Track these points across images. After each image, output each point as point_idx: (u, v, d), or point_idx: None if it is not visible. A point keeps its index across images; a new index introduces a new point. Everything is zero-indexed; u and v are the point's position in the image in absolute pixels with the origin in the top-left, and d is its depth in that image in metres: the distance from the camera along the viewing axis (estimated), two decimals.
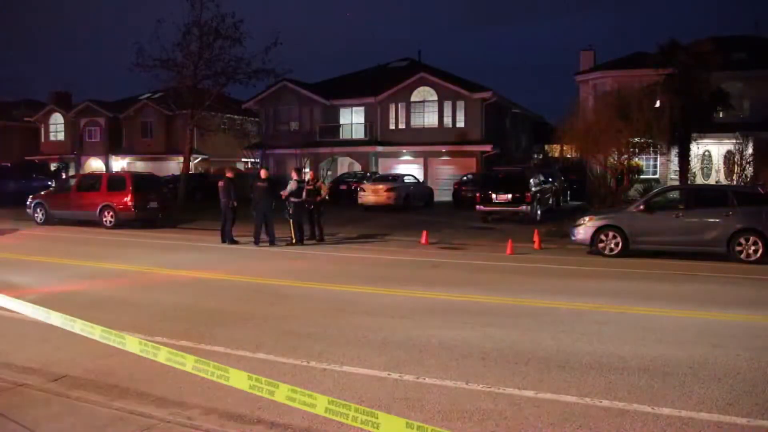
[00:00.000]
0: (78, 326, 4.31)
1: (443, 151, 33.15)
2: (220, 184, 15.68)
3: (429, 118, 33.77)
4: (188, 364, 3.66)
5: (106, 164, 44.75)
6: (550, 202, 23.80)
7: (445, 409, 4.63)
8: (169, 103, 32.13)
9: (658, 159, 28.32)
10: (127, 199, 19.09)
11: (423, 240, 15.83)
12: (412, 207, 25.67)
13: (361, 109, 35.74)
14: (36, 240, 16.67)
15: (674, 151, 24.79)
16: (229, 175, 15.83)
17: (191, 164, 34.45)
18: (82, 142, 45.24)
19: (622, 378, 5.31)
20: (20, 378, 5.21)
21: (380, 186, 25.49)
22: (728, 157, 25.07)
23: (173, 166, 40.16)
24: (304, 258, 13.33)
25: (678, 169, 24.55)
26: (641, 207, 13.43)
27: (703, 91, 22.75)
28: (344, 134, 36.27)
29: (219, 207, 15.91)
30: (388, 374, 5.40)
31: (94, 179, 21.55)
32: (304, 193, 15.45)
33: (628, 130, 21.09)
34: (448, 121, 33.33)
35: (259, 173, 16.21)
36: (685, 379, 5.28)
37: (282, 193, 15.32)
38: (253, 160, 39.12)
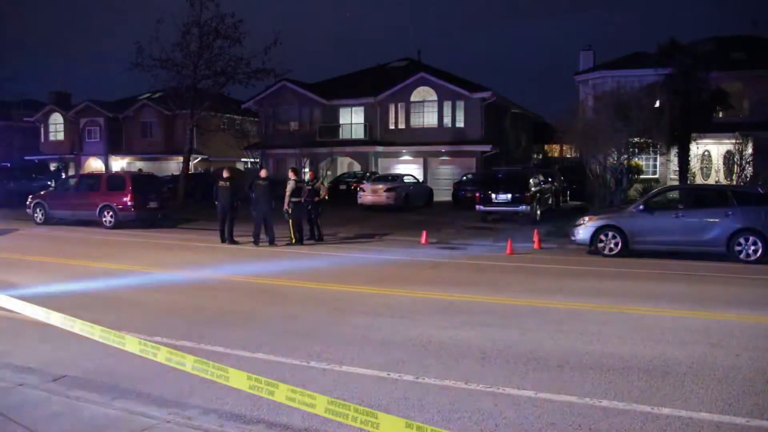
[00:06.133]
0: (78, 326, 4.31)
1: (443, 151, 33.15)
2: (221, 184, 15.64)
3: (429, 118, 33.76)
4: (188, 364, 3.66)
5: (106, 164, 44.75)
6: (550, 202, 23.80)
7: (444, 409, 4.63)
8: (168, 103, 32.12)
9: (658, 159, 28.34)
10: (127, 199, 19.09)
11: (423, 240, 15.84)
12: (411, 207, 25.67)
13: (361, 109, 35.73)
14: (36, 240, 16.67)
15: (674, 151, 24.83)
16: (227, 175, 15.86)
17: (191, 164, 34.45)
18: (81, 142, 45.25)
19: (622, 378, 5.32)
20: (20, 378, 5.21)
21: (380, 186, 25.49)
22: (728, 157, 25.10)
23: (173, 166, 40.17)
24: (304, 258, 13.33)
25: (678, 169, 24.59)
26: (641, 207, 13.43)
27: (702, 91, 22.79)
28: (344, 134, 36.26)
29: (215, 207, 15.83)
30: (388, 374, 5.40)
31: (93, 179, 21.55)
32: (303, 193, 15.44)
33: (627, 129, 21.11)
34: (447, 121, 33.32)
35: (258, 173, 16.20)
36: (684, 379, 5.28)
37: (286, 196, 15.19)
38: (252, 160, 39.11)
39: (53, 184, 28.77)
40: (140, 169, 30.70)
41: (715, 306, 8.30)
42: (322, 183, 18.36)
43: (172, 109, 34.05)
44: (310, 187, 15.92)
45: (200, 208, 24.10)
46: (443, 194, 30.29)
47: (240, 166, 41.53)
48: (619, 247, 13.14)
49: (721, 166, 26.59)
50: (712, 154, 27.91)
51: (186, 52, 27.44)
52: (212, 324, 7.25)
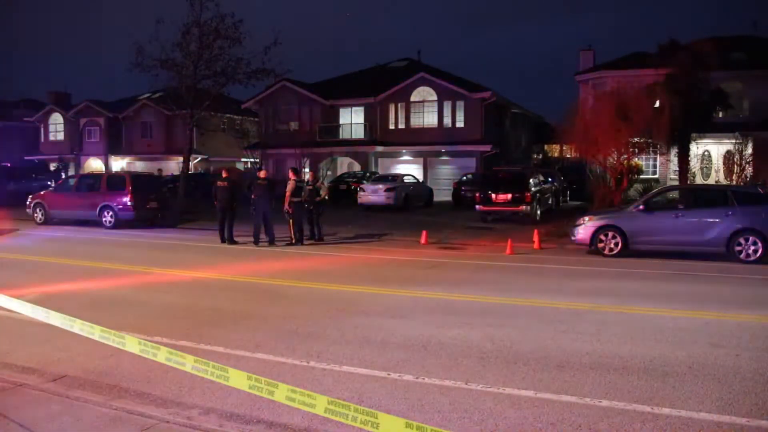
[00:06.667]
0: (78, 326, 4.31)
1: (443, 151, 33.16)
2: (221, 184, 15.65)
3: (428, 118, 33.77)
4: (188, 364, 3.66)
5: (106, 164, 44.76)
6: (550, 202, 23.80)
7: (444, 409, 4.62)
8: (168, 103, 32.10)
9: (658, 159, 28.33)
10: (127, 199, 19.09)
11: (423, 240, 15.83)
12: (411, 207, 25.67)
13: (361, 109, 35.74)
14: (35, 240, 16.66)
15: (674, 151, 24.81)
16: (225, 175, 15.88)
17: (191, 164, 34.45)
18: (81, 142, 45.22)
19: (621, 378, 5.31)
20: (20, 378, 5.21)
21: (380, 186, 25.49)
22: (728, 157, 25.09)
23: (173, 166, 40.17)
24: (304, 258, 13.33)
25: (678, 169, 24.58)
26: (641, 207, 13.43)
27: (702, 91, 22.78)
28: (344, 134, 36.27)
29: (215, 208, 15.87)
30: (388, 374, 5.40)
31: (93, 179, 21.54)
32: (303, 193, 15.44)
33: (627, 130, 21.09)
34: (447, 121, 33.34)
35: (258, 173, 16.21)
36: (684, 379, 5.28)
37: (286, 196, 15.19)
38: (252, 160, 39.12)
39: (53, 184, 28.74)
40: (159, 170, 30.68)
41: (715, 306, 8.30)
42: (323, 183, 18.35)
43: (172, 109, 34.00)
44: (311, 188, 15.93)
45: (199, 207, 24.07)
46: (443, 194, 30.29)
47: (240, 166, 41.52)
48: (619, 247, 13.14)
49: (721, 166, 26.58)
50: (712, 154, 27.91)
51: (186, 52, 27.42)
52: (212, 324, 7.25)
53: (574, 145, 25.33)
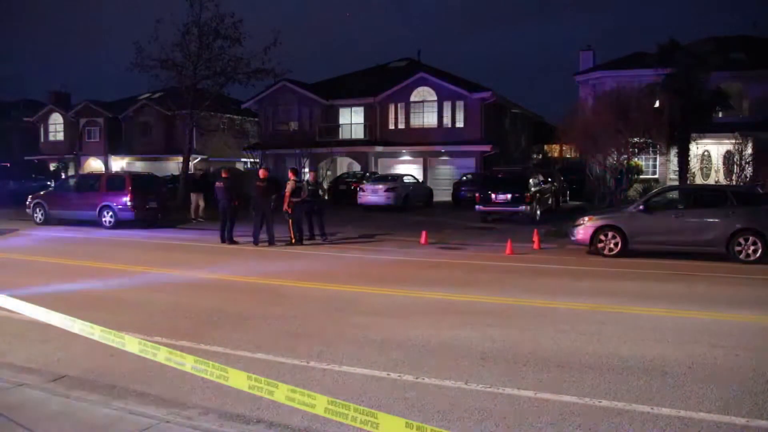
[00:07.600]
0: (78, 326, 4.31)
1: (442, 151, 33.17)
2: (218, 184, 15.68)
3: (428, 118, 33.79)
4: (187, 364, 3.66)
5: (106, 164, 44.75)
6: (550, 202, 23.80)
7: (444, 409, 4.62)
8: (168, 103, 32.14)
9: (658, 159, 28.36)
10: (126, 199, 19.08)
11: (423, 240, 15.82)
12: (411, 207, 25.68)
13: (361, 109, 35.75)
14: (35, 240, 16.65)
15: (674, 151, 24.84)
16: (224, 175, 15.90)
17: (191, 164, 34.44)
18: (81, 142, 45.24)
19: (621, 378, 5.31)
20: (20, 378, 5.21)
21: (380, 186, 25.49)
22: (728, 157, 25.10)
23: (173, 166, 40.16)
24: (304, 258, 13.32)
25: (677, 169, 24.60)
26: (640, 207, 13.43)
27: (702, 91, 22.81)
28: (343, 134, 36.27)
29: (217, 207, 15.94)
30: (388, 374, 5.40)
31: (93, 179, 21.53)
32: (303, 193, 15.44)
33: (627, 130, 21.12)
34: (447, 121, 33.35)
35: (258, 173, 16.22)
36: (684, 379, 5.28)
37: (286, 196, 15.18)
38: (252, 160, 39.14)
39: (53, 184, 28.74)
40: (200, 170, 30.28)
41: (715, 306, 8.30)
42: (322, 183, 18.37)
43: (172, 109, 34.03)
44: (312, 188, 15.95)
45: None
46: (443, 194, 30.29)
47: (240, 166, 41.52)
48: (619, 247, 13.13)
49: (721, 166, 26.59)
50: (711, 154, 27.91)
51: (186, 52, 27.46)
52: (212, 324, 7.25)
53: (574, 145, 25.36)
